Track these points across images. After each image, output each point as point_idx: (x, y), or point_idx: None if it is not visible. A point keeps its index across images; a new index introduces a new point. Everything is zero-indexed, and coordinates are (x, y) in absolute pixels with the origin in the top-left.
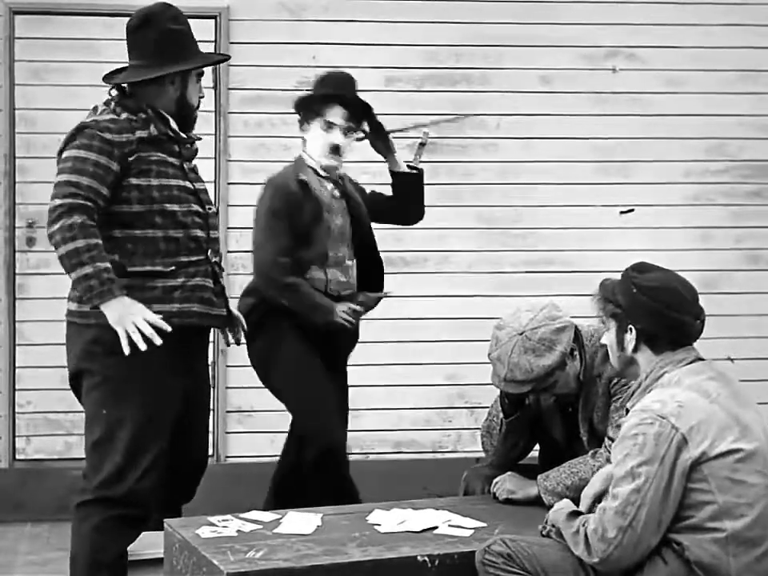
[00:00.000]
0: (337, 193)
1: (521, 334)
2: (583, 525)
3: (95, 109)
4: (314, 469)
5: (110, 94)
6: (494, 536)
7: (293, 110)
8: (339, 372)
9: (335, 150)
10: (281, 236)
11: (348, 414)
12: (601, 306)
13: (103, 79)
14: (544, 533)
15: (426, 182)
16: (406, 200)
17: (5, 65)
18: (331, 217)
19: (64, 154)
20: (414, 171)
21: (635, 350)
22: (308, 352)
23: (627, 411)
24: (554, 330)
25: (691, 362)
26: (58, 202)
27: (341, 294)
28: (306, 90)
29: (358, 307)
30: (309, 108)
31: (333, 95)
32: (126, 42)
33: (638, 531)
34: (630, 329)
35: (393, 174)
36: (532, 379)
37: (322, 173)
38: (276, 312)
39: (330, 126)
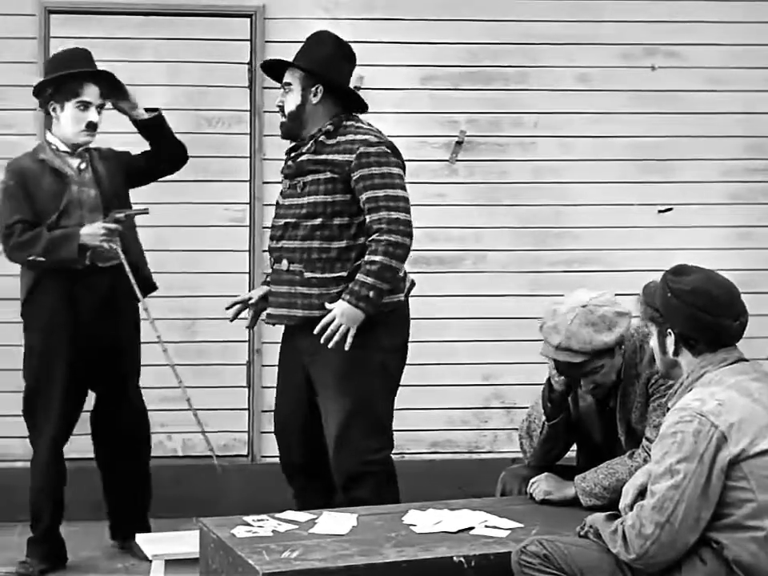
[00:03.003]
0: (83, 166)
1: (584, 306)
2: (621, 523)
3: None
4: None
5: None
6: (531, 536)
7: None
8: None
9: (93, 127)
10: (13, 211)
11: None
12: (642, 309)
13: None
14: (582, 533)
15: (463, 180)
16: (155, 145)
17: (40, 64)
18: (81, 189)
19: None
20: (154, 114)
21: (676, 353)
22: None
23: (668, 410)
24: (616, 313)
25: (732, 363)
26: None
27: (106, 265)
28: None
29: (111, 225)
30: (60, 90)
31: (88, 73)
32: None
33: (675, 527)
34: (669, 333)
35: (136, 124)
36: (587, 351)
37: (62, 149)
38: None
39: (86, 105)
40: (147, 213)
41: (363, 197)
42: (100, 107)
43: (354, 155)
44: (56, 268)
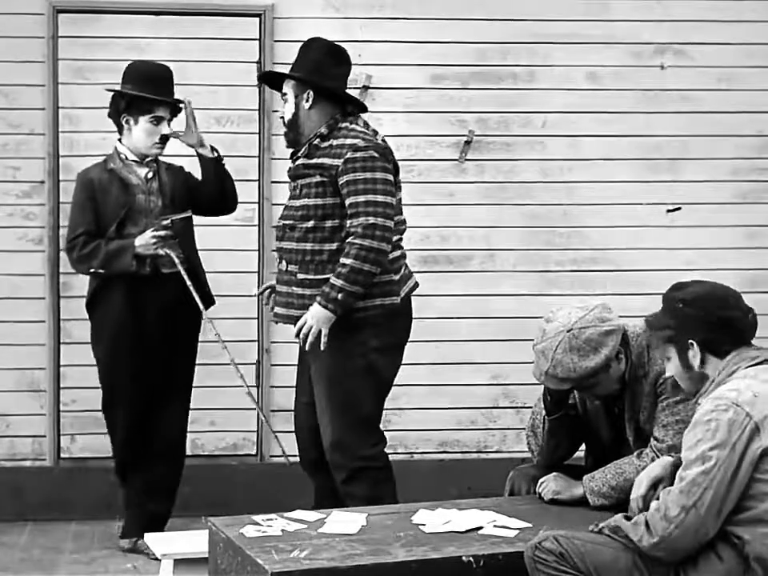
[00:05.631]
0: (150, 175)
1: (568, 331)
2: (644, 514)
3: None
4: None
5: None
6: (546, 532)
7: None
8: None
9: (165, 140)
10: (78, 223)
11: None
12: (654, 341)
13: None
14: (596, 529)
15: (472, 179)
16: (204, 182)
17: (48, 63)
18: (147, 197)
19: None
20: (214, 156)
21: (702, 363)
22: None
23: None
24: (601, 333)
25: (763, 361)
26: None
27: (169, 272)
28: (129, 87)
29: (160, 232)
30: (134, 105)
31: (161, 93)
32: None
33: (701, 512)
34: (691, 344)
35: (198, 155)
36: (573, 378)
37: (131, 158)
38: None
39: (159, 119)
40: (189, 215)
41: (347, 202)
42: (170, 120)
43: (342, 160)
44: (119, 275)
